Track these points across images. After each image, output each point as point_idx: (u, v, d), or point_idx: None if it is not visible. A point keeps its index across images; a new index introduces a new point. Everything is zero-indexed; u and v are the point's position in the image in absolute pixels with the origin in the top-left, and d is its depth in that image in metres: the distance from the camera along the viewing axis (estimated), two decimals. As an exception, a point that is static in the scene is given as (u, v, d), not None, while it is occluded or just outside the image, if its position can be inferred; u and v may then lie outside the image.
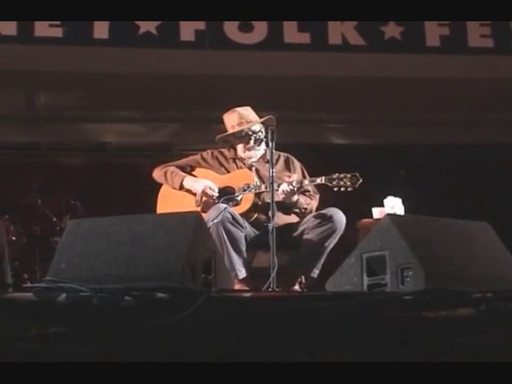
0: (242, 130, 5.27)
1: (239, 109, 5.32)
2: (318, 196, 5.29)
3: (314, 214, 5.12)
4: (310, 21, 7.17)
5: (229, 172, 5.32)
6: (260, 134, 5.24)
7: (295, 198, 5.09)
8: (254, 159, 5.31)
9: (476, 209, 5.57)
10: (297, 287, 5.07)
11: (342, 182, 4.86)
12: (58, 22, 7.06)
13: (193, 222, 3.33)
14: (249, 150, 5.28)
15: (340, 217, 4.98)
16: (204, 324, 2.92)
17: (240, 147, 5.32)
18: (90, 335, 2.89)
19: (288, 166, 5.35)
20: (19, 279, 6.61)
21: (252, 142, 5.25)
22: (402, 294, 3.16)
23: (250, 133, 5.26)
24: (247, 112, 5.32)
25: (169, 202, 5.30)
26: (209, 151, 5.44)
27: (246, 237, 4.96)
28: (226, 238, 4.82)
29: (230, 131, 5.31)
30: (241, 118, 5.28)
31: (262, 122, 5.25)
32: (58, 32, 7.13)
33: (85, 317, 2.92)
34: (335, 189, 4.88)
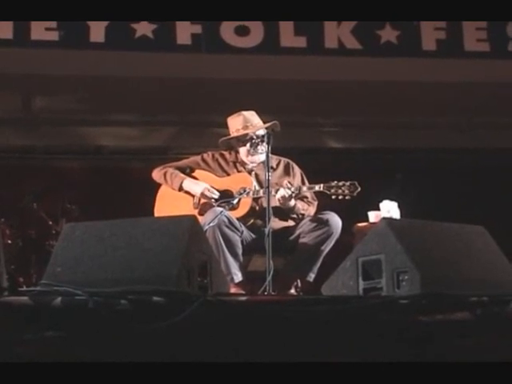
0: (246, 134, 5.25)
1: (245, 112, 5.30)
2: (316, 203, 5.29)
3: (310, 217, 5.12)
4: (306, 21, 7.17)
5: (228, 175, 5.32)
6: (264, 139, 5.21)
7: (292, 203, 5.08)
8: (255, 164, 5.31)
9: (473, 213, 5.57)
10: (292, 291, 5.07)
11: (340, 190, 4.87)
12: (55, 26, 7.05)
13: (189, 225, 3.33)
14: (252, 154, 5.25)
15: (336, 220, 4.98)
16: (200, 328, 2.92)
17: (243, 151, 5.30)
18: (85, 339, 2.89)
19: (288, 172, 5.35)
20: (15, 283, 6.60)
21: (256, 146, 5.22)
22: (397, 297, 3.16)
23: (255, 137, 5.23)
24: (253, 117, 5.30)
25: (167, 203, 5.31)
26: (210, 153, 5.43)
27: (242, 241, 4.95)
28: (222, 241, 4.82)
29: (235, 134, 5.29)
30: (246, 121, 5.27)
31: (266, 128, 5.18)
32: (54, 35, 7.12)
33: (80, 320, 2.91)
34: (333, 197, 4.88)
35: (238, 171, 5.32)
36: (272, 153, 4.93)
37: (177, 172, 5.34)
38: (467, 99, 7.90)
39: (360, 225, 6.20)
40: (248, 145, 5.25)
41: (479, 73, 7.56)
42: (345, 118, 8.54)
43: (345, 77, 7.54)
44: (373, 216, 6.14)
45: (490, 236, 3.61)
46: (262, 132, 5.19)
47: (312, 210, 5.24)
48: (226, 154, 5.41)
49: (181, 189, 5.28)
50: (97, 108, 8.13)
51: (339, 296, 3.38)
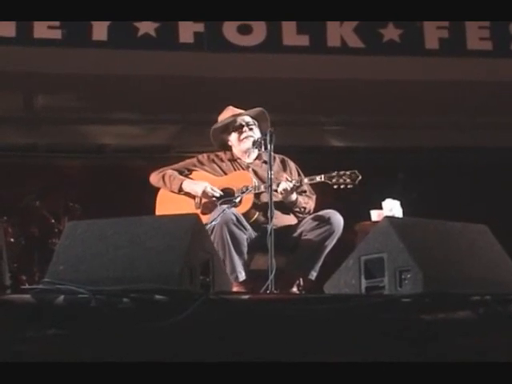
0: (235, 120, 5.31)
1: (231, 106, 5.41)
2: (314, 197, 5.30)
3: (312, 216, 5.12)
4: (309, 21, 7.17)
5: (226, 174, 5.33)
6: (252, 126, 5.28)
7: (294, 196, 5.09)
8: (250, 160, 5.32)
9: (475, 212, 5.57)
10: (295, 289, 5.06)
11: (341, 180, 4.87)
12: (57, 24, 7.06)
13: (191, 224, 3.34)
14: (243, 141, 5.29)
15: (338, 219, 4.98)
16: (202, 326, 2.92)
17: (234, 139, 5.33)
18: (87, 337, 2.89)
19: (284, 167, 5.36)
20: (17, 281, 6.60)
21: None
22: (400, 296, 3.16)
23: (244, 123, 5.30)
24: (239, 109, 5.39)
25: (167, 206, 5.28)
26: (204, 154, 5.45)
27: (247, 239, 4.95)
28: (229, 239, 4.82)
29: (224, 122, 5.36)
30: (234, 111, 5.37)
31: (255, 118, 5.31)
32: (56, 34, 7.13)
33: (83, 319, 2.92)
34: (335, 186, 4.89)
35: (235, 169, 5.33)
36: (266, 150, 4.95)
37: (175, 174, 5.33)
38: (470, 98, 7.89)
39: (362, 223, 6.20)
40: (238, 132, 5.30)
41: (482, 72, 7.56)
42: (347, 117, 8.52)
43: (347, 75, 7.54)
44: (375, 215, 6.14)
45: (492, 235, 3.60)
46: (250, 120, 5.31)
47: (312, 204, 5.25)
48: (221, 153, 5.43)
49: (181, 190, 5.27)
50: (99, 106, 8.13)
51: (341, 294, 3.38)
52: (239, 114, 5.34)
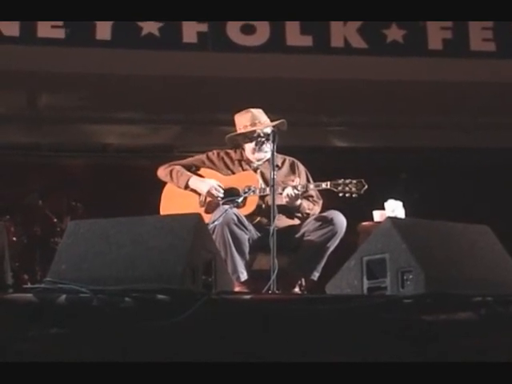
0: (254, 131, 5.26)
1: (253, 110, 5.32)
2: (321, 202, 5.29)
3: (314, 216, 5.12)
4: (312, 21, 7.18)
5: (233, 173, 5.33)
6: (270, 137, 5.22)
7: (298, 202, 5.09)
8: (260, 162, 5.31)
9: (477, 212, 5.57)
10: (297, 290, 5.07)
11: (347, 188, 4.87)
12: (61, 23, 7.07)
13: (194, 223, 3.33)
14: (258, 151, 5.26)
15: (341, 219, 4.98)
16: (204, 326, 2.92)
17: (249, 148, 5.30)
18: (89, 336, 2.89)
19: (293, 171, 5.35)
20: (19, 280, 6.61)
21: (262, 144, 5.23)
22: (402, 297, 3.16)
23: (262, 134, 5.24)
24: (260, 114, 5.32)
25: (172, 201, 5.31)
26: (214, 151, 5.44)
27: (249, 239, 4.95)
28: (230, 239, 4.83)
29: (242, 131, 5.30)
30: (254, 118, 5.28)
31: (273, 126, 5.19)
32: (60, 33, 7.14)
33: (85, 318, 2.92)
34: (340, 194, 4.89)
35: (244, 169, 5.32)
36: (277, 151, 4.93)
37: (183, 170, 5.35)
38: (472, 99, 7.89)
39: (365, 224, 6.19)
40: (254, 143, 5.26)
41: (485, 72, 7.56)
42: (350, 117, 8.53)
43: (350, 76, 7.54)
44: (378, 215, 6.13)
45: (493, 235, 3.60)
46: (268, 130, 5.20)
47: (317, 209, 5.25)
48: (232, 152, 5.41)
49: (187, 187, 5.28)
50: (102, 106, 8.13)
51: (343, 295, 3.38)
52: (260, 125, 5.27)
